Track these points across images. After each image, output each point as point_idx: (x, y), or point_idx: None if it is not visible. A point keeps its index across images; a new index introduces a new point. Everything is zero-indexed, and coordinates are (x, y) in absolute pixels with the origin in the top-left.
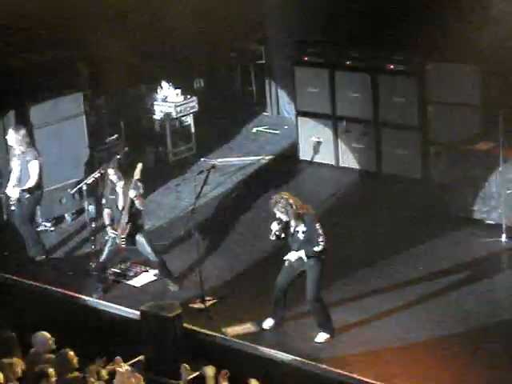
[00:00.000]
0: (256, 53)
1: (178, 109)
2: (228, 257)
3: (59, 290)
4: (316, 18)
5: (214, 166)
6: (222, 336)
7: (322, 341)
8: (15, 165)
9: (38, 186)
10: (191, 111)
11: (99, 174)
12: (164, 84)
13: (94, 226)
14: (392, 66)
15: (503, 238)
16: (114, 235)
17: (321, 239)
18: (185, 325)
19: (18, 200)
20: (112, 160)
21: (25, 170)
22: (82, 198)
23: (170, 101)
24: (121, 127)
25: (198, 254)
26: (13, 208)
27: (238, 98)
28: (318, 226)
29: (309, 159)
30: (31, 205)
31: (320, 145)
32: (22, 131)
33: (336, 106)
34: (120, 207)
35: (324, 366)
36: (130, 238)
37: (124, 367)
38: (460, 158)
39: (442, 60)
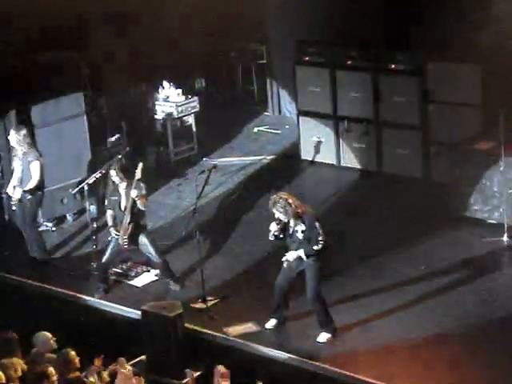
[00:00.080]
0: (257, 52)
1: (180, 109)
2: (229, 256)
3: (61, 289)
4: (317, 18)
5: (215, 166)
6: (224, 336)
7: (324, 340)
8: (17, 165)
9: (40, 186)
10: (192, 111)
11: (100, 174)
12: (165, 84)
13: (95, 225)
14: (393, 66)
15: (505, 237)
16: (116, 236)
17: (320, 238)
18: (186, 325)
19: (20, 200)
20: (113, 161)
21: (26, 171)
22: (84, 198)
23: (171, 101)
24: (122, 127)
25: (200, 253)
26: (14, 208)
27: (239, 98)
28: (317, 225)
29: (310, 159)
30: (33, 206)
31: (321, 144)
32: (23, 131)
33: (337, 106)
34: (122, 208)
35: (326, 366)
36: (133, 239)
37: (127, 368)
38: (461, 157)
39: (443, 59)
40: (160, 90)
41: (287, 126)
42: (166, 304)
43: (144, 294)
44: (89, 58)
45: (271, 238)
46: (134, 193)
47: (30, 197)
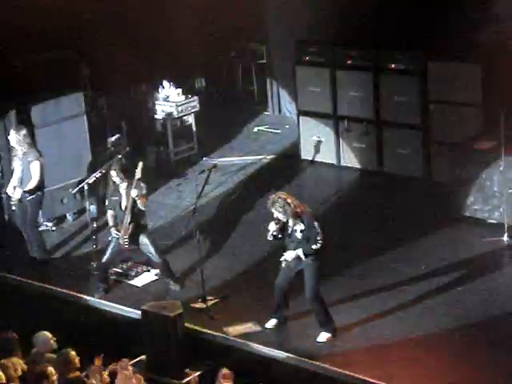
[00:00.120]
0: (257, 52)
1: (180, 108)
2: (229, 256)
3: (61, 289)
4: (317, 18)
5: (215, 166)
6: (224, 336)
7: (324, 340)
8: (17, 165)
9: (40, 186)
10: (192, 111)
11: (100, 174)
12: (165, 83)
13: (95, 225)
14: (393, 65)
15: (505, 237)
16: (117, 236)
17: (319, 237)
18: (186, 324)
19: (20, 200)
20: (113, 161)
21: (26, 171)
22: (84, 198)
23: (171, 100)
24: (122, 127)
25: (200, 253)
26: (13, 208)
27: (239, 98)
28: (316, 224)
29: (310, 158)
30: (33, 206)
31: (321, 144)
32: (23, 131)
33: (337, 106)
34: (123, 208)
35: (326, 366)
36: (133, 239)
37: (129, 369)
38: (461, 157)
39: (443, 59)
40: (160, 89)
41: (287, 126)
42: (166, 304)
43: (144, 293)
44: (89, 58)
45: (270, 237)
46: (134, 192)
47: (30, 197)
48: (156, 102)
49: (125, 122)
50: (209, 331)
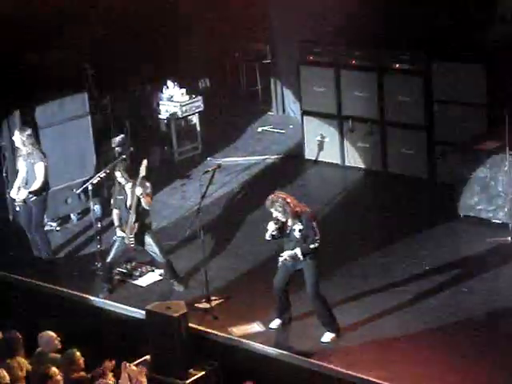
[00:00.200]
0: (261, 52)
1: (184, 108)
2: (233, 256)
3: (65, 289)
4: (321, 17)
5: (219, 166)
6: (228, 336)
7: (329, 340)
8: (21, 166)
9: (44, 187)
10: (197, 111)
11: (105, 174)
12: (169, 83)
13: (99, 225)
14: (397, 65)
15: (509, 237)
16: (122, 235)
17: (317, 237)
18: (190, 324)
19: (24, 201)
20: (118, 162)
21: (31, 172)
22: (88, 198)
23: (175, 100)
24: (126, 127)
25: (204, 253)
26: (18, 209)
27: (243, 98)
28: (314, 224)
29: (314, 158)
30: (38, 208)
31: (324, 143)
32: (28, 132)
33: (341, 106)
34: (128, 207)
35: (329, 366)
36: (139, 238)
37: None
38: (466, 157)
39: (448, 59)
40: (164, 89)
41: (291, 126)
42: (171, 304)
43: (148, 293)
44: (93, 58)
45: (268, 237)
46: (138, 190)
47: (34, 198)
48: (160, 102)
49: (129, 122)
50: (213, 331)
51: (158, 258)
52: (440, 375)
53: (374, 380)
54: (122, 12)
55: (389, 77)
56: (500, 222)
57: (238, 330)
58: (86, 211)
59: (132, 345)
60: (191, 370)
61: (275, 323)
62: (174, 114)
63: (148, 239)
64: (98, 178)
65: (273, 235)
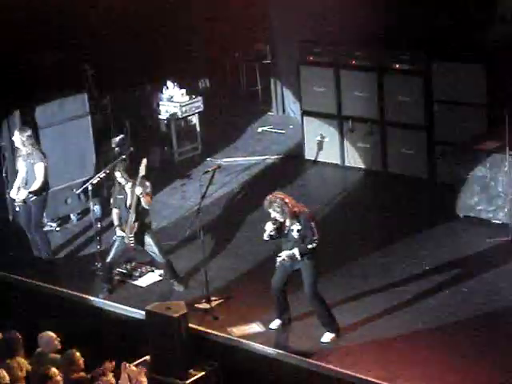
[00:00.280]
0: (261, 52)
1: (184, 109)
2: (233, 257)
3: (65, 290)
4: (321, 17)
5: (219, 166)
6: (228, 336)
7: (329, 341)
8: (21, 166)
9: (44, 187)
10: (196, 111)
11: (104, 174)
12: (169, 84)
13: (99, 226)
14: (397, 65)
15: (510, 237)
16: (121, 235)
17: (315, 237)
18: (190, 325)
19: (24, 201)
20: (117, 162)
21: (31, 172)
22: (88, 198)
23: (175, 101)
24: (126, 127)
25: (204, 253)
26: (17, 209)
27: (243, 98)
28: (312, 224)
29: (316, 159)
30: (38, 208)
31: (323, 142)
32: (27, 133)
33: (341, 106)
34: (128, 206)
35: (329, 366)
36: (139, 238)
37: (131, 370)
38: (466, 157)
39: (448, 59)
40: (164, 90)
41: (291, 126)
42: (171, 304)
43: (148, 294)
44: (93, 59)
45: (266, 237)
46: (138, 190)
47: (34, 198)
48: (160, 103)
49: (129, 122)
50: (213, 332)
51: (157, 258)
52: (440, 375)
53: (374, 380)
54: (121, 12)
55: (389, 77)
56: (500, 222)
57: (238, 331)
58: (86, 211)
59: (132, 345)
60: (191, 371)
61: (275, 323)
62: (173, 115)
63: (148, 239)
64: (98, 179)
65: (271, 235)
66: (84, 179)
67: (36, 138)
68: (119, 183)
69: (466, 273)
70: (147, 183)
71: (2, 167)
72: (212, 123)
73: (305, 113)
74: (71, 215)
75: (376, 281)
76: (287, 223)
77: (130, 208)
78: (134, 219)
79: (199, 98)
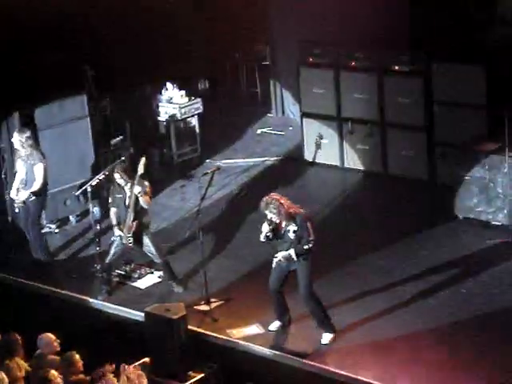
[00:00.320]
0: (261, 53)
1: (183, 110)
2: (233, 258)
3: (64, 291)
4: (321, 18)
5: (218, 168)
6: (228, 338)
7: (328, 342)
8: (20, 167)
9: (43, 188)
10: (196, 112)
11: (104, 176)
12: (169, 85)
13: (98, 227)
14: (397, 67)
15: (510, 238)
16: (119, 234)
17: (311, 238)
18: (190, 327)
19: (23, 202)
20: (117, 164)
21: (30, 173)
22: (87, 200)
23: (174, 102)
24: (125, 129)
25: (203, 255)
26: (17, 210)
27: (242, 99)
28: (308, 224)
29: (315, 160)
30: (36, 208)
31: (321, 140)
32: (27, 134)
33: (341, 107)
34: (127, 205)
35: (328, 368)
36: (137, 238)
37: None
38: (466, 158)
39: (448, 60)
40: (163, 91)
41: (291, 128)
42: (170, 306)
43: (147, 295)
44: (93, 60)
45: (263, 239)
46: (136, 189)
47: (33, 198)
48: (159, 104)
49: (128, 123)
50: (212, 333)
51: (154, 258)
52: (440, 376)
53: (374, 382)
54: (122, 12)
55: (388, 78)
56: (499, 223)
57: (238, 332)
58: (85, 213)
59: (131, 347)
60: (190, 372)
61: (274, 325)
62: (173, 116)
63: (146, 240)
64: (97, 180)
65: (267, 236)
66: (83, 181)
67: (35, 140)
68: (119, 184)
69: (466, 273)
70: (146, 183)
71: (1, 169)
72: (211, 125)
73: (304, 114)
74: (70, 217)
75: (376, 281)
76: (283, 224)
77: (128, 207)
78: (132, 218)
79: (198, 99)
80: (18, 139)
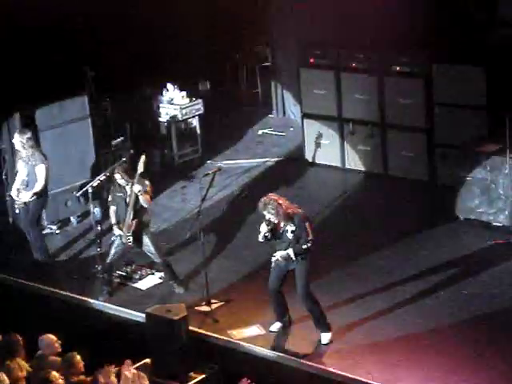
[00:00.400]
0: (261, 54)
1: (184, 111)
2: (234, 259)
3: (65, 292)
4: (322, 20)
5: (219, 169)
6: (229, 339)
7: (328, 341)
8: (21, 168)
9: (44, 189)
10: (197, 113)
11: (105, 177)
12: (169, 86)
13: (99, 228)
14: (398, 68)
15: (511, 240)
16: (119, 233)
17: (310, 237)
18: (191, 328)
19: (24, 203)
20: (117, 165)
21: (32, 174)
22: (88, 201)
23: (175, 103)
24: (126, 129)
25: (204, 256)
26: (17, 211)
27: (243, 100)
28: (306, 224)
29: (316, 161)
30: (36, 208)
31: (320, 141)
32: (28, 135)
33: (342, 108)
34: (127, 204)
35: (330, 369)
36: (136, 237)
37: (131, 372)
38: (466, 159)
39: (448, 61)
40: (164, 92)
41: (292, 129)
42: (171, 307)
43: (148, 296)
44: (93, 61)
45: (261, 239)
46: (136, 187)
47: (34, 198)
48: (160, 105)
49: (129, 124)
50: (213, 334)
51: (154, 258)
52: (440, 376)
53: (374, 382)
54: (122, 13)
55: (389, 79)
56: (500, 224)
57: (239, 333)
58: (86, 214)
59: (132, 348)
60: (191, 373)
61: (275, 326)
62: (174, 117)
63: (146, 239)
64: (98, 181)
65: (265, 237)
66: (84, 182)
67: (36, 141)
68: (119, 185)
69: (467, 274)
70: (146, 182)
71: (2, 170)
72: (212, 125)
73: (305, 115)
74: (71, 218)
75: (376, 282)
76: (282, 224)
77: (127, 206)
78: (131, 217)
79: (199, 100)
80: (19, 140)
